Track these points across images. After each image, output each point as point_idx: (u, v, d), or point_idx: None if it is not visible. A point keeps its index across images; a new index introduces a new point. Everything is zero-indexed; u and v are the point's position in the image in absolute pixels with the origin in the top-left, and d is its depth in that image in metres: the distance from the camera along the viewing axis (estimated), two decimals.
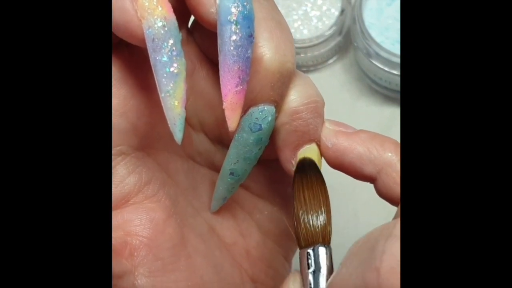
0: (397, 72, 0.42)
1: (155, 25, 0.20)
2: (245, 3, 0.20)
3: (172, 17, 0.20)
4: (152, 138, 0.24)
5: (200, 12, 0.21)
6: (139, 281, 0.22)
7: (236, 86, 0.21)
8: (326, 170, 0.25)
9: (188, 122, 0.25)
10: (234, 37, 0.20)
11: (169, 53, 0.20)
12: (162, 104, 0.20)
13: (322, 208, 0.23)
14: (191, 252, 0.24)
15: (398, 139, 0.22)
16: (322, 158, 0.24)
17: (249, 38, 0.20)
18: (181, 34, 0.20)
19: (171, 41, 0.20)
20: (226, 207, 0.26)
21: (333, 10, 0.45)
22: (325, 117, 0.25)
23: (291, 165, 0.23)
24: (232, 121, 0.21)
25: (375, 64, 0.42)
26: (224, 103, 0.21)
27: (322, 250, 0.22)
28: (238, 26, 0.20)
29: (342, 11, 0.45)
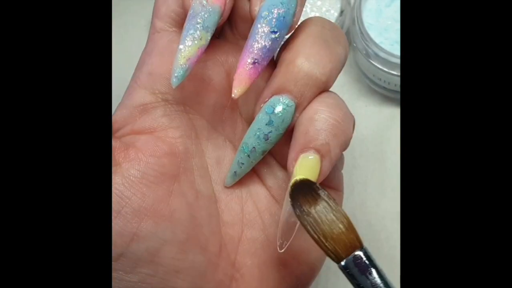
0: (396, 72, 0.42)
1: (197, 1, 0.25)
2: (280, 10, 0.25)
3: (215, 4, 0.25)
4: (195, 102, 0.27)
5: (250, 10, 0.26)
6: (116, 178, 0.25)
7: (248, 64, 0.25)
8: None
9: (239, 110, 0.28)
10: (259, 27, 0.25)
11: (197, 25, 0.25)
12: None
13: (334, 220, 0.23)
14: (175, 191, 0.26)
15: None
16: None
17: (272, 33, 0.25)
18: (220, 18, 0.25)
19: (203, 17, 0.25)
20: (238, 193, 0.28)
21: (332, 11, 0.45)
22: None
23: (292, 167, 0.25)
24: (237, 89, 0.25)
25: (374, 65, 0.42)
26: (235, 74, 0.25)
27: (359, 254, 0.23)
28: (266, 21, 0.25)
29: (341, 12, 0.45)
